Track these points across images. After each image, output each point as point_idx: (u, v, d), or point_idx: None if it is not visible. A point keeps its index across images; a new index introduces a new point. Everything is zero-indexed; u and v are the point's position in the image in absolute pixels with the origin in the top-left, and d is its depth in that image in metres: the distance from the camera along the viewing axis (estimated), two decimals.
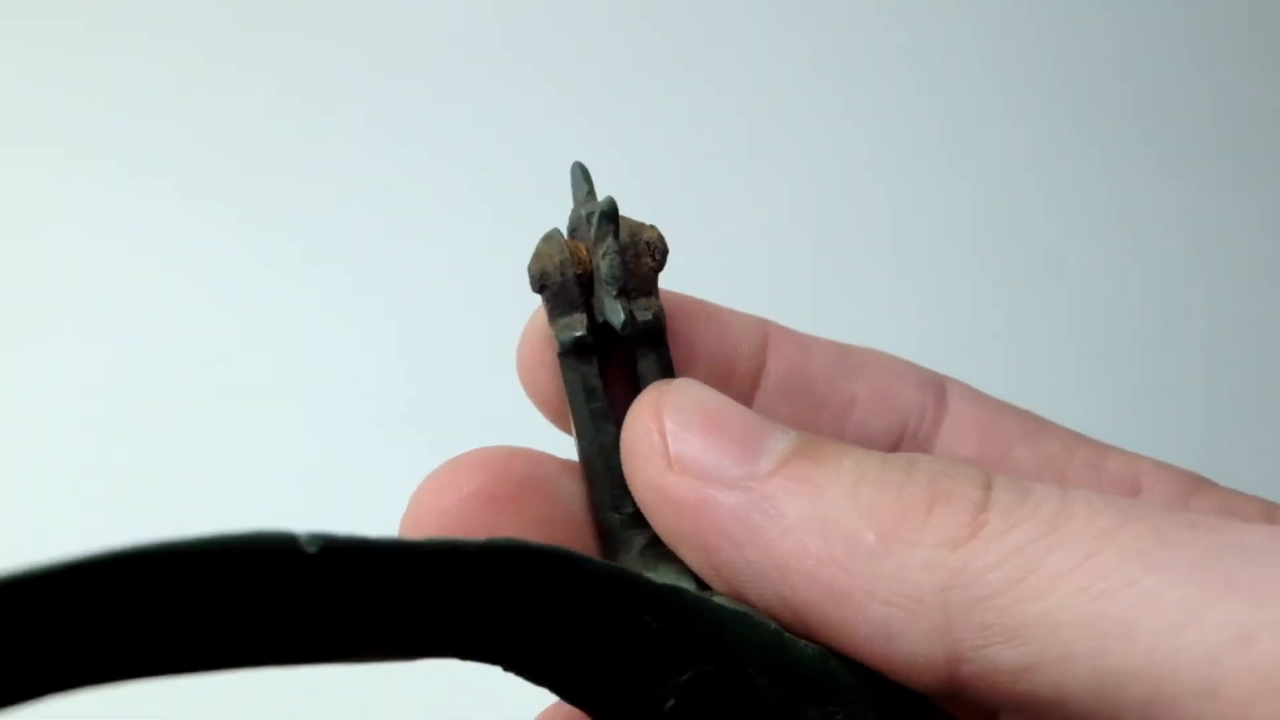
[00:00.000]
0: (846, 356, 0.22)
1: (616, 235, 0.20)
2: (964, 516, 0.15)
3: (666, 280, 0.21)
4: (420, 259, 0.47)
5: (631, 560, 0.19)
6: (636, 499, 0.19)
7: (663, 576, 0.18)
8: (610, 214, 0.20)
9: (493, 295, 0.37)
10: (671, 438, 0.18)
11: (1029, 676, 0.14)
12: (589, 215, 0.20)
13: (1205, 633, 0.13)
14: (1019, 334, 0.48)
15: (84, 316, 0.45)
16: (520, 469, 0.20)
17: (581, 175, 0.21)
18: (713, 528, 0.17)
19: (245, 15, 0.51)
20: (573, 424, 0.20)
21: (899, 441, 0.22)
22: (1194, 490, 0.21)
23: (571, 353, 0.20)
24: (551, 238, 0.20)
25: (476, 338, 0.38)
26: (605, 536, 0.20)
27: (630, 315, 0.20)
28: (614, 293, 0.19)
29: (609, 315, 0.19)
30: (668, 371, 0.20)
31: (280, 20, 0.51)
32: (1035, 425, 0.22)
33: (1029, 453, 0.22)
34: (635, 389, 0.20)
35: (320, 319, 0.46)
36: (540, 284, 0.20)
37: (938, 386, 0.22)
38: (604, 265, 0.20)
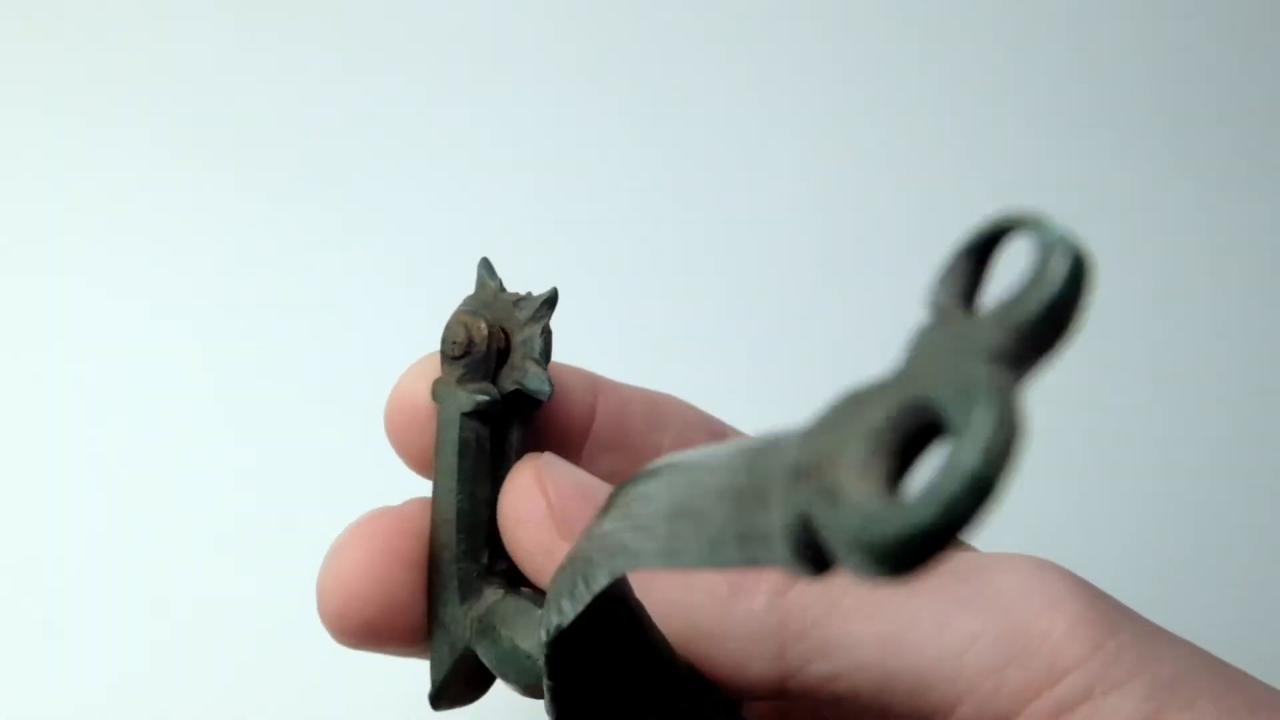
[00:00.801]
0: (655, 407, 0.25)
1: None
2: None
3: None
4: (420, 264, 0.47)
5: (484, 609, 0.22)
6: (519, 556, 0.22)
7: (521, 625, 0.21)
8: (554, 300, 0.23)
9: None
10: (558, 508, 0.21)
11: (835, 682, 0.19)
12: (518, 300, 0.23)
13: (947, 639, 0.19)
14: None
15: (87, 315, 0.45)
16: (420, 523, 0.23)
17: (488, 270, 0.24)
18: None
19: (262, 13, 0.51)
20: (448, 476, 0.22)
21: None
22: None
23: (477, 415, 0.22)
24: (474, 312, 0.23)
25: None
26: (458, 582, 0.22)
27: (552, 386, 0.23)
28: (543, 366, 0.22)
29: (533, 385, 0.22)
30: (530, 440, 0.23)
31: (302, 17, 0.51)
32: None
33: None
34: (499, 453, 0.23)
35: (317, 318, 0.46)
36: (464, 350, 0.22)
37: (720, 435, 0.26)
38: (540, 341, 0.22)
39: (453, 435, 0.22)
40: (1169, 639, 0.19)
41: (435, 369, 0.23)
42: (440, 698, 0.23)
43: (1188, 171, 0.53)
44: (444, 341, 0.22)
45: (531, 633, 0.21)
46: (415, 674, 0.24)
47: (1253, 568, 0.46)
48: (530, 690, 0.21)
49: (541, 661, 0.18)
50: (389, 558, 0.22)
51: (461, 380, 0.22)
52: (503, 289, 0.23)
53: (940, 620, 0.19)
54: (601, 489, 0.21)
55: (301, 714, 0.38)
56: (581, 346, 0.25)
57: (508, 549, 0.22)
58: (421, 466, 0.23)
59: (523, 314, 0.23)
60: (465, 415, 0.22)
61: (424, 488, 0.24)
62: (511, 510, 0.22)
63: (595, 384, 0.25)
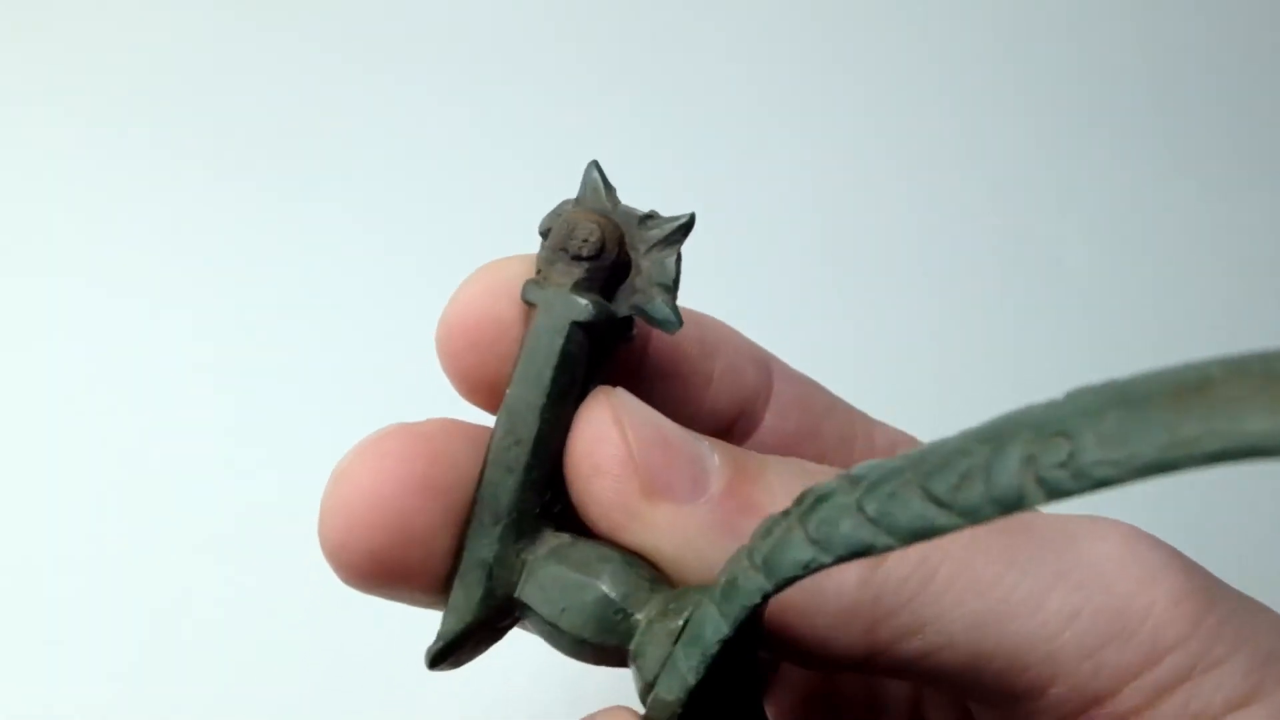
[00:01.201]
0: (707, 334, 0.24)
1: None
2: None
3: None
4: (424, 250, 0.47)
5: (545, 551, 0.20)
6: (591, 511, 0.19)
7: (610, 575, 0.19)
8: (690, 226, 0.20)
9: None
10: (639, 456, 0.19)
11: (925, 660, 0.19)
12: (645, 218, 0.20)
13: (1043, 618, 0.18)
14: (1017, 333, 0.48)
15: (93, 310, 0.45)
16: (462, 451, 0.19)
17: (602, 176, 0.21)
18: (682, 548, 0.19)
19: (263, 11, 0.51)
20: (536, 391, 0.19)
21: (738, 418, 0.24)
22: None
23: (589, 327, 0.19)
24: (604, 213, 0.20)
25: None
26: (517, 515, 0.19)
27: (680, 320, 0.20)
28: (671, 295, 0.20)
29: (659, 314, 0.20)
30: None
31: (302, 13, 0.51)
32: (833, 402, 0.25)
33: (831, 428, 0.25)
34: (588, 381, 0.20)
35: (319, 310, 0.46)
36: (595, 250, 0.19)
37: (767, 366, 0.24)
38: (673, 268, 0.20)
39: (554, 344, 0.19)
40: (1263, 610, 0.19)
41: (501, 279, 0.20)
42: (447, 654, 0.20)
43: (1188, 170, 0.53)
44: (566, 236, 0.19)
45: (627, 588, 0.18)
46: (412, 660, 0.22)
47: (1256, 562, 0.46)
48: (598, 654, 0.19)
49: (683, 654, 0.17)
50: (405, 481, 0.19)
51: (579, 286, 0.19)
52: (612, 196, 0.21)
53: (1037, 597, 0.18)
54: (681, 432, 0.19)
55: (302, 714, 0.38)
56: None
57: (575, 499, 0.19)
58: (476, 389, 0.21)
59: (651, 233, 0.20)
60: (577, 324, 0.19)
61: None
62: (586, 455, 0.19)
63: None
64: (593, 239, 0.19)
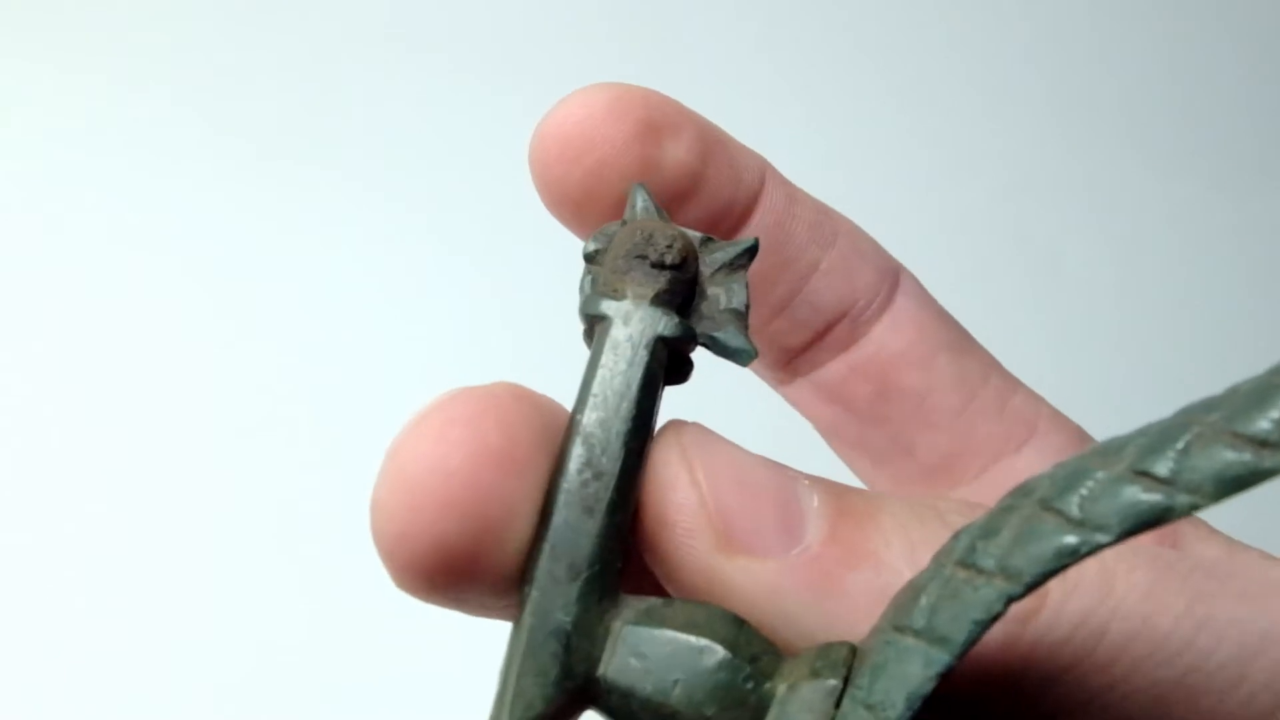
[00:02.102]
0: (825, 221, 0.21)
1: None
2: None
3: None
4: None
5: (638, 613, 0.16)
6: (665, 569, 0.16)
7: (719, 628, 0.15)
8: (755, 251, 0.18)
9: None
10: (715, 510, 0.16)
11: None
12: (707, 241, 0.18)
13: (1252, 690, 0.15)
14: (1016, 332, 0.49)
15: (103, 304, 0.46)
16: (535, 420, 0.16)
17: (650, 199, 0.18)
18: (769, 611, 0.16)
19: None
20: (621, 416, 0.16)
21: (840, 318, 0.21)
22: (1081, 445, 0.22)
23: (673, 346, 0.17)
24: (675, 226, 0.18)
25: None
26: (600, 570, 0.16)
27: (755, 352, 0.17)
28: (744, 323, 0.17)
29: (735, 343, 0.17)
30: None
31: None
32: (963, 340, 0.22)
33: (950, 364, 0.21)
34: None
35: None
36: (681, 257, 0.17)
37: (894, 274, 0.22)
38: (743, 294, 0.18)
39: (638, 361, 0.16)
40: None
41: (601, 97, 0.18)
42: None
43: (1189, 170, 0.53)
44: (645, 243, 0.17)
45: (755, 649, 0.15)
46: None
47: None
48: None
49: (869, 708, 0.14)
50: (477, 452, 0.15)
51: (659, 299, 0.17)
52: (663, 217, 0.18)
53: (1239, 665, 0.15)
54: (766, 473, 0.16)
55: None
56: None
57: (645, 552, 0.16)
58: (562, 201, 0.19)
59: (716, 256, 0.18)
60: (663, 340, 0.16)
61: None
62: (651, 504, 0.16)
63: (765, 168, 0.21)
64: (677, 245, 0.17)
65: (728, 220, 0.20)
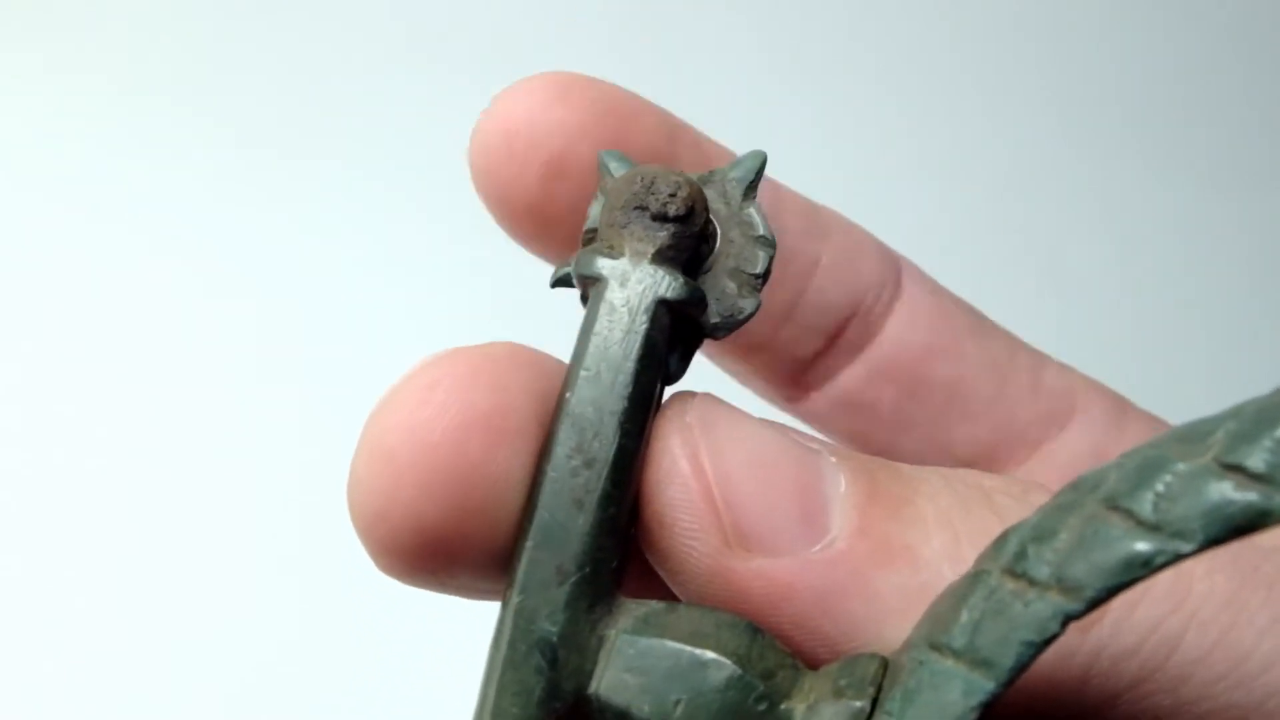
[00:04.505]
0: (815, 215, 0.19)
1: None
2: None
3: None
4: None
5: (635, 621, 0.14)
6: (667, 569, 0.14)
7: (728, 640, 0.13)
8: (764, 162, 0.16)
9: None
10: (723, 502, 0.13)
11: None
12: (709, 175, 0.16)
13: None
14: (1016, 332, 0.49)
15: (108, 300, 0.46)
16: (534, 384, 0.14)
17: (622, 157, 0.16)
18: (786, 618, 0.13)
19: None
20: (614, 393, 0.14)
21: (851, 317, 0.20)
22: (1122, 413, 0.21)
23: (677, 310, 0.14)
24: (680, 172, 0.15)
25: None
26: (589, 573, 0.13)
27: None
28: (758, 284, 0.15)
29: (740, 302, 0.15)
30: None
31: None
32: (981, 322, 0.21)
33: (977, 350, 0.20)
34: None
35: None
36: (687, 208, 0.14)
37: (895, 264, 0.20)
38: (763, 257, 0.15)
39: (636, 328, 0.14)
40: None
41: (551, 84, 0.16)
42: None
43: (1188, 171, 0.53)
44: (645, 191, 0.15)
45: (768, 664, 0.13)
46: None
47: None
48: None
49: None
50: (465, 419, 0.13)
51: (662, 256, 0.14)
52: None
53: None
54: (785, 450, 0.14)
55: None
56: None
57: (647, 553, 0.14)
58: (530, 220, 0.16)
59: (732, 175, 0.16)
60: (665, 304, 0.14)
61: None
62: (652, 499, 0.14)
63: (733, 157, 0.18)
64: (682, 194, 0.14)
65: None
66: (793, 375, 0.20)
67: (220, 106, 0.50)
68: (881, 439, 0.20)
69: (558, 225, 0.16)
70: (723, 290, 0.15)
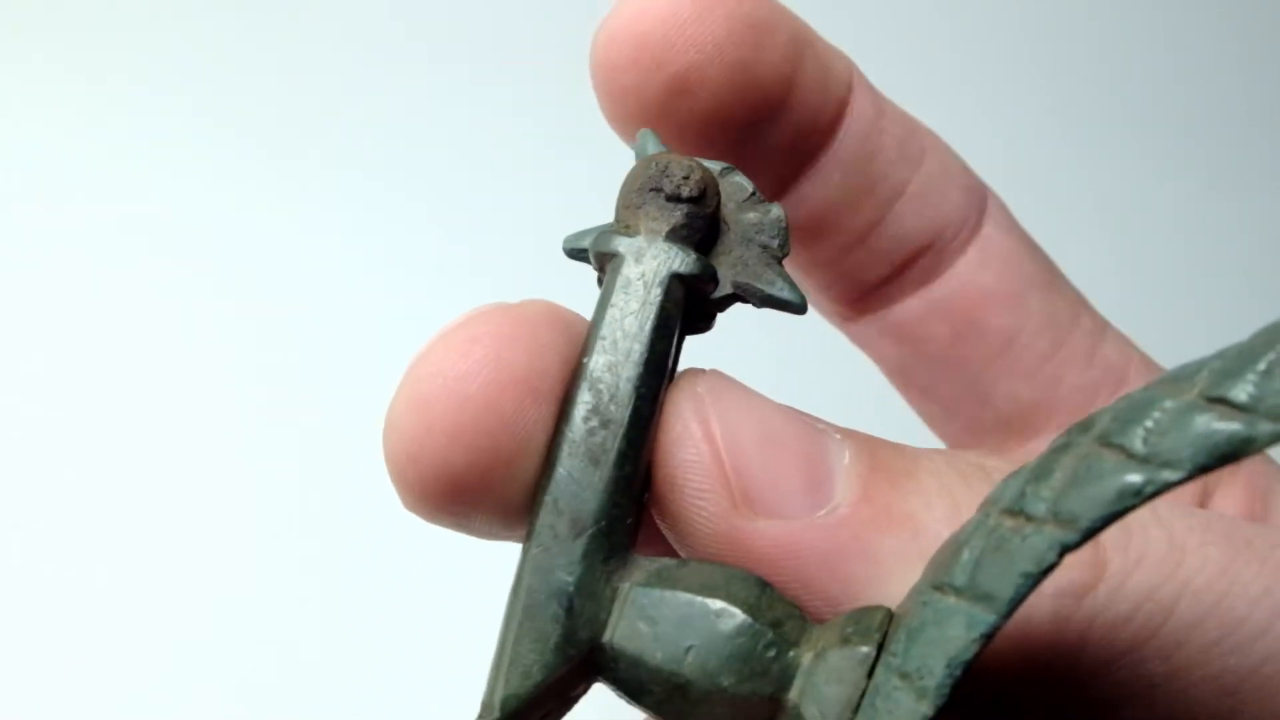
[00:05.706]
0: (913, 137, 0.19)
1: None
2: (1082, 555, 0.13)
3: None
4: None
5: (648, 575, 0.14)
6: (677, 533, 0.15)
7: (741, 593, 0.14)
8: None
9: None
10: (732, 466, 0.14)
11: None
12: (726, 171, 0.16)
13: None
14: None
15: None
16: (566, 349, 0.14)
17: (655, 138, 0.17)
18: (790, 579, 0.14)
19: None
20: (632, 360, 0.14)
21: (925, 250, 0.19)
22: None
23: (691, 285, 0.15)
24: (693, 158, 0.16)
25: None
26: (605, 527, 0.14)
27: (801, 297, 0.15)
28: (777, 266, 0.16)
29: (785, 293, 0.15)
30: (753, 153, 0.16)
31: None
32: (1052, 276, 0.20)
33: (1040, 304, 0.19)
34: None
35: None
36: (699, 189, 0.15)
37: (980, 199, 0.20)
38: (779, 234, 0.16)
39: (651, 300, 0.15)
40: None
41: (695, 15, 0.16)
42: None
43: (1190, 170, 0.53)
44: (660, 174, 0.15)
45: (777, 613, 0.13)
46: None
47: None
48: (736, 710, 0.13)
49: (906, 675, 0.12)
50: (502, 374, 0.14)
51: (675, 234, 0.15)
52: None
53: None
54: (791, 424, 0.14)
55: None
56: None
57: (657, 515, 0.15)
58: (630, 117, 0.16)
59: (738, 182, 0.16)
60: (678, 277, 0.15)
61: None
62: (664, 462, 0.14)
63: (853, 72, 0.18)
64: (694, 176, 0.15)
65: (813, 135, 0.17)
66: (851, 296, 0.20)
67: (220, 106, 0.50)
68: (922, 377, 0.20)
69: (670, 136, 0.16)
70: (741, 259, 0.16)
